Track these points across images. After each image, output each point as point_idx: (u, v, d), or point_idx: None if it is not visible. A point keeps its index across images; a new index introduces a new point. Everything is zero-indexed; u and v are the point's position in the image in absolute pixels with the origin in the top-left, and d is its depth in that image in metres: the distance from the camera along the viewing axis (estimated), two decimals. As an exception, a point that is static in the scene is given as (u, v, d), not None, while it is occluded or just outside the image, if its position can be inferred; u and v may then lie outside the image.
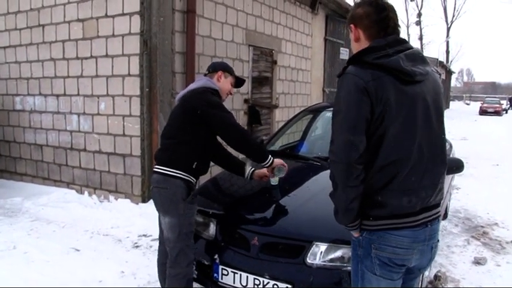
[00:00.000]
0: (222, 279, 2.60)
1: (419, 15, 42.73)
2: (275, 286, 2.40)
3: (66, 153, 5.60)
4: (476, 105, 39.03)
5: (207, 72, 2.77)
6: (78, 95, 5.37)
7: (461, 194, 6.59)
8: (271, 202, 2.73)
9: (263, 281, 2.43)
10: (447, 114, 29.58)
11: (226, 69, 2.80)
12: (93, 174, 5.37)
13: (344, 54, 9.81)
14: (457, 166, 3.49)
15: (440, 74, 23.66)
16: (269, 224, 2.58)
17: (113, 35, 4.99)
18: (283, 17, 7.36)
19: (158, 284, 3.17)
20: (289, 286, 2.37)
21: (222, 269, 2.59)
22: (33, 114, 5.86)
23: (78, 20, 5.24)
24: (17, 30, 5.82)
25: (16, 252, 3.86)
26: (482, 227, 4.98)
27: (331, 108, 4.41)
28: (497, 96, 46.75)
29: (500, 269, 3.84)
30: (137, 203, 4.97)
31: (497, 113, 30.86)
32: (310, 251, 2.39)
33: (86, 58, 5.24)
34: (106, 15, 5.01)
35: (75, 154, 5.50)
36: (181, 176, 2.48)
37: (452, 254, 4.21)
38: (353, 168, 1.60)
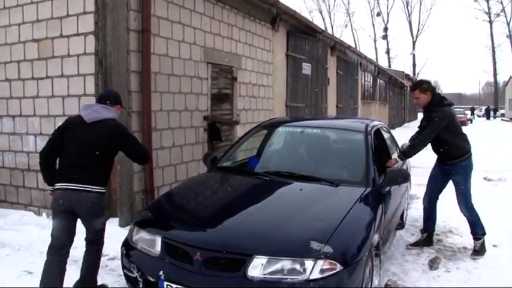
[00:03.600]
0: (168, 295, 2.63)
1: (385, 29, 44.12)
2: (218, 300, 2.45)
3: (23, 174, 5.52)
4: (442, 116, 40.32)
5: (108, 102, 3.31)
6: (34, 115, 5.33)
7: (420, 203, 6.77)
8: (215, 218, 2.81)
9: (206, 296, 2.48)
10: (415, 126, 30.42)
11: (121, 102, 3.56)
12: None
13: (306, 69, 10.04)
14: (403, 177, 3.63)
15: (406, 87, 24.31)
16: (211, 239, 2.64)
17: (68, 55, 5.00)
18: (243, 34, 7.51)
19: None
20: (231, 299, 2.42)
21: (167, 285, 2.63)
22: (-12, 136, 5.76)
23: (33, 40, 5.23)
24: (-30, 51, 5.74)
25: (-35, 278, 3.77)
26: (437, 234, 5.12)
27: (289, 123, 4.55)
28: (462, 106, 48.59)
29: (450, 274, 4.00)
30: (95, 223, 4.92)
31: (462, 123, 32.10)
32: (251, 264, 2.46)
33: (42, 78, 5.22)
34: (61, 35, 5.03)
35: (33, 175, 5.43)
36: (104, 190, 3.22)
37: (406, 262, 4.34)
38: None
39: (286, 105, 9.47)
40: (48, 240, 4.67)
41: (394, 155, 4.90)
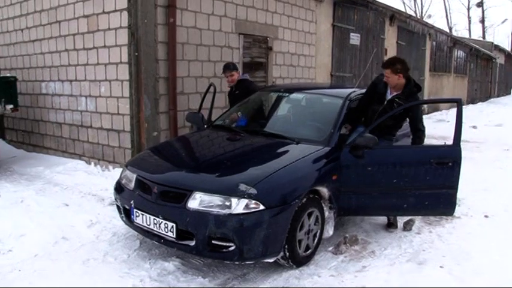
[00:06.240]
0: (136, 220, 3.37)
1: (481, -5, 40.22)
2: (165, 224, 3.12)
3: (78, 130, 6.62)
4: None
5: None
6: (85, 80, 6.33)
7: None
8: (177, 162, 3.45)
9: (159, 221, 3.17)
10: (504, 101, 28.03)
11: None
12: (97, 147, 6.34)
13: (355, 39, 10.07)
14: (367, 143, 3.66)
15: (494, 59, 22.37)
16: (165, 177, 3.30)
17: (109, 29, 5.85)
18: (280, 6, 7.86)
19: (111, 229, 4.04)
20: (174, 225, 3.08)
21: (136, 211, 3.35)
22: (54, 97, 6.94)
23: (84, 16, 6.16)
24: (42, 26, 6.89)
25: (21, 205, 4.84)
26: (437, 202, 5.28)
27: (283, 89, 4.97)
28: None
29: (417, 236, 4.20)
30: (128, 172, 5.84)
31: None
32: (191, 198, 3.06)
33: (90, 49, 6.16)
34: (103, 12, 5.88)
35: (84, 130, 6.50)
36: None
37: (384, 223, 4.61)
38: None
39: (331, 75, 9.69)
40: (91, 183, 5.75)
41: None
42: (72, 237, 3.99)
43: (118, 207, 3.69)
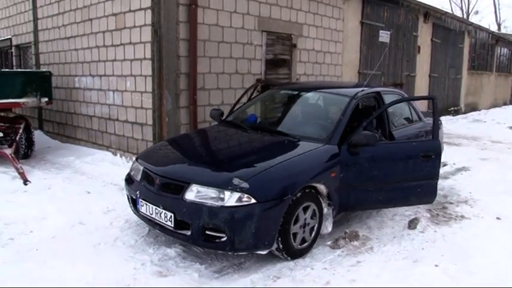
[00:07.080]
0: (141, 209, 3.59)
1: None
2: (165, 214, 3.33)
3: (106, 122, 6.98)
4: None
5: None
6: (113, 75, 6.67)
7: (466, 175, 6.66)
8: (180, 156, 3.65)
9: (160, 211, 3.37)
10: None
11: None
12: (123, 139, 6.67)
13: (384, 36, 9.94)
14: (366, 140, 3.81)
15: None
16: (166, 170, 3.50)
17: (134, 26, 6.14)
18: (305, 3, 7.89)
19: (125, 217, 4.31)
20: (172, 214, 3.27)
21: (141, 201, 3.57)
22: (85, 91, 7.34)
23: (113, 14, 6.49)
24: (76, 24, 7.30)
25: (48, 191, 5.22)
26: (450, 203, 5.19)
27: (292, 87, 5.02)
28: None
29: (420, 235, 4.18)
30: (149, 163, 6.13)
31: None
32: (188, 190, 3.25)
33: (118, 45, 6.48)
34: (130, 10, 6.17)
35: (112, 123, 6.85)
36: None
37: (391, 220, 4.58)
38: None
39: (359, 72, 9.63)
40: (115, 173, 6.08)
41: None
42: (88, 222, 4.28)
43: (127, 197, 3.93)
